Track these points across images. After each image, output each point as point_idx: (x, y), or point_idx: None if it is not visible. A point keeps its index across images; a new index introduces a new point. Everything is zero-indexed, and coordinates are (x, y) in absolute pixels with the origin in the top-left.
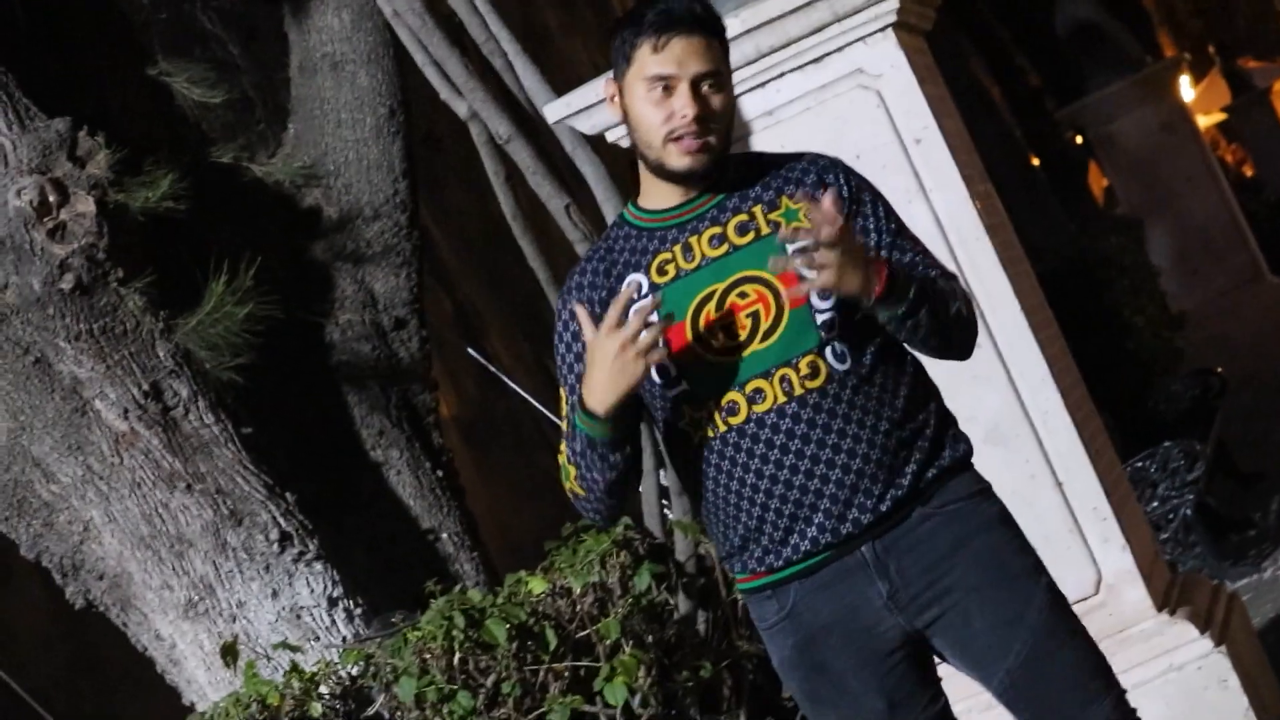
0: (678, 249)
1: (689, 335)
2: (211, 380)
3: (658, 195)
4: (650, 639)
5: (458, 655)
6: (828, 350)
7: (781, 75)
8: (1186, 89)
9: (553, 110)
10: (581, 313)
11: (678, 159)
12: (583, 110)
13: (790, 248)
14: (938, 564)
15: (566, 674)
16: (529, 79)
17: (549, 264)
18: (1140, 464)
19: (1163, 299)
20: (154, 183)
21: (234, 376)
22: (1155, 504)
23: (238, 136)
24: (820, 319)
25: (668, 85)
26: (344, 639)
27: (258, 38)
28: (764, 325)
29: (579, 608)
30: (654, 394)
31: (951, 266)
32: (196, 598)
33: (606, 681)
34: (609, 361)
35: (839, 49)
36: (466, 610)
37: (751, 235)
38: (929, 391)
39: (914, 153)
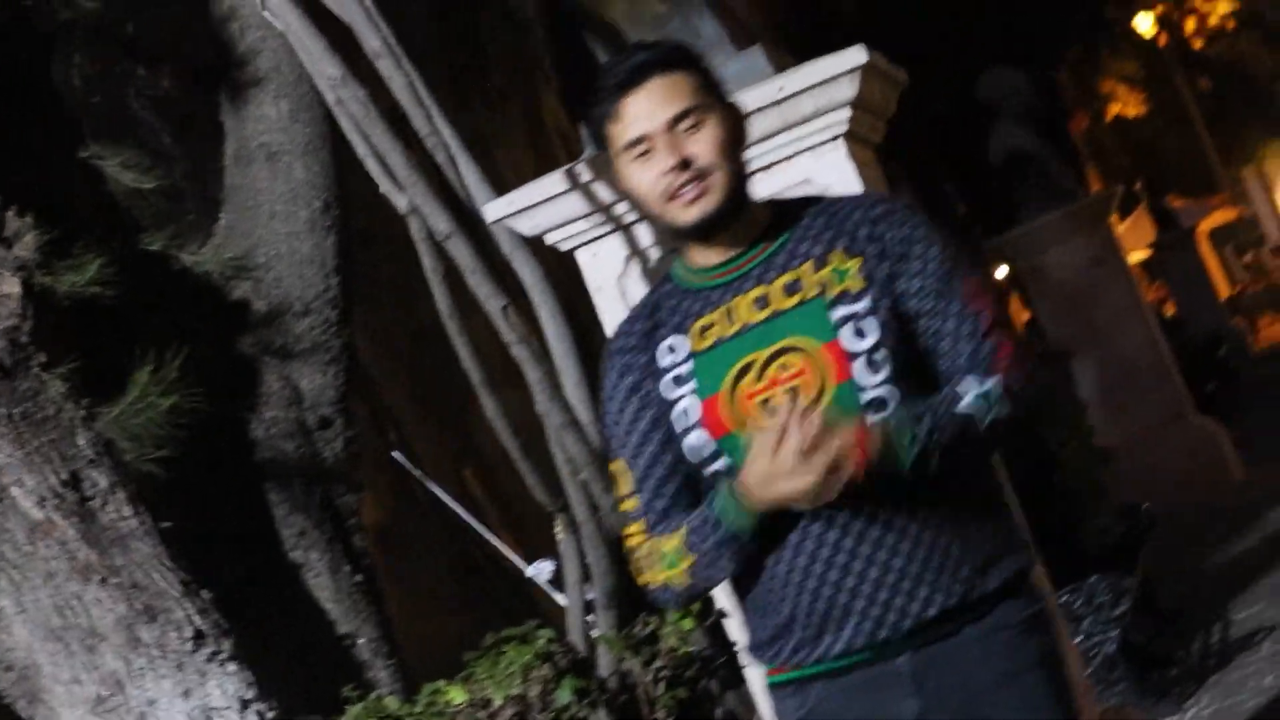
0: (720, 312)
1: (727, 408)
2: (132, 471)
3: (700, 253)
4: None
5: None
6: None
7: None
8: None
9: (493, 209)
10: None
11: (681, 214)
12: (523, 210)
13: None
14: (980, 695)
15: None
16: (470, 176)
17: (483, 365)
18: (1065, 598)
19: (1089, 433)
20: (82, 267)
21: (155, 469)
22: (1080, 639)
23: (168, 225)
24: (865, 397)
25: (645, 149)
26: None
27: (191, 127)
28: (804, 402)
29: None
30: (698, 466)
31: None
32: (106, 693)
33: None
34: (788, 464)
35: (788, 157)
36: (383, 718)
37: (798, 298)
38: (991, 487)
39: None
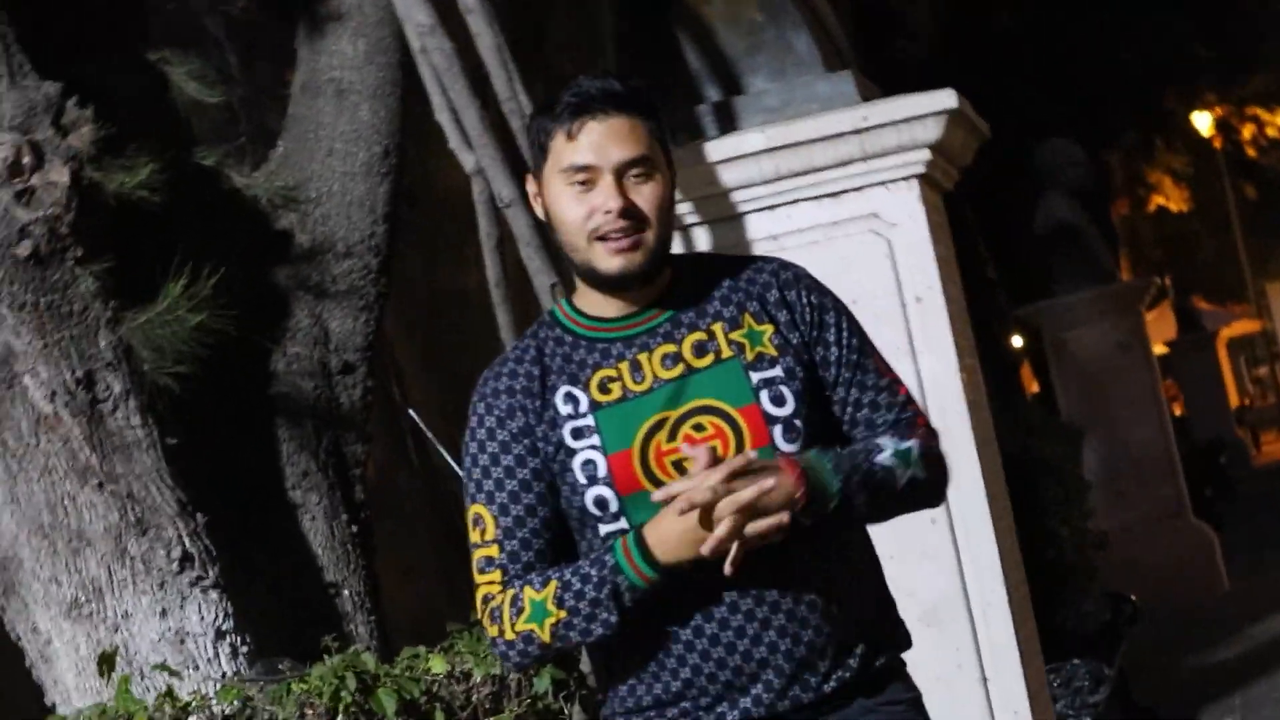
0: (624, 366)
1: (636, 467)
2: (147, 382)
3: (598, 301)
4: None
5: (340, 717)
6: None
7: (795, 202)
8: None
9: None
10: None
11: (605, 260)
12: None
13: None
14: None
15: None
16: None
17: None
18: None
19: (1089, 514)
20: (134, 168)
21: (171, 383)
22: None
23: (223, 144)
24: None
25: (587, 179)
26: (224, 674)
27: (257, 51)
28: (724, 456)
29: (474, 697)
30: (584, 524)
31: None
32: (84, 599)
33: None
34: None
35: (859, 188)
36: (360, 674)
37: (711, 357)
38: (877, 565)
39: (912, 310)
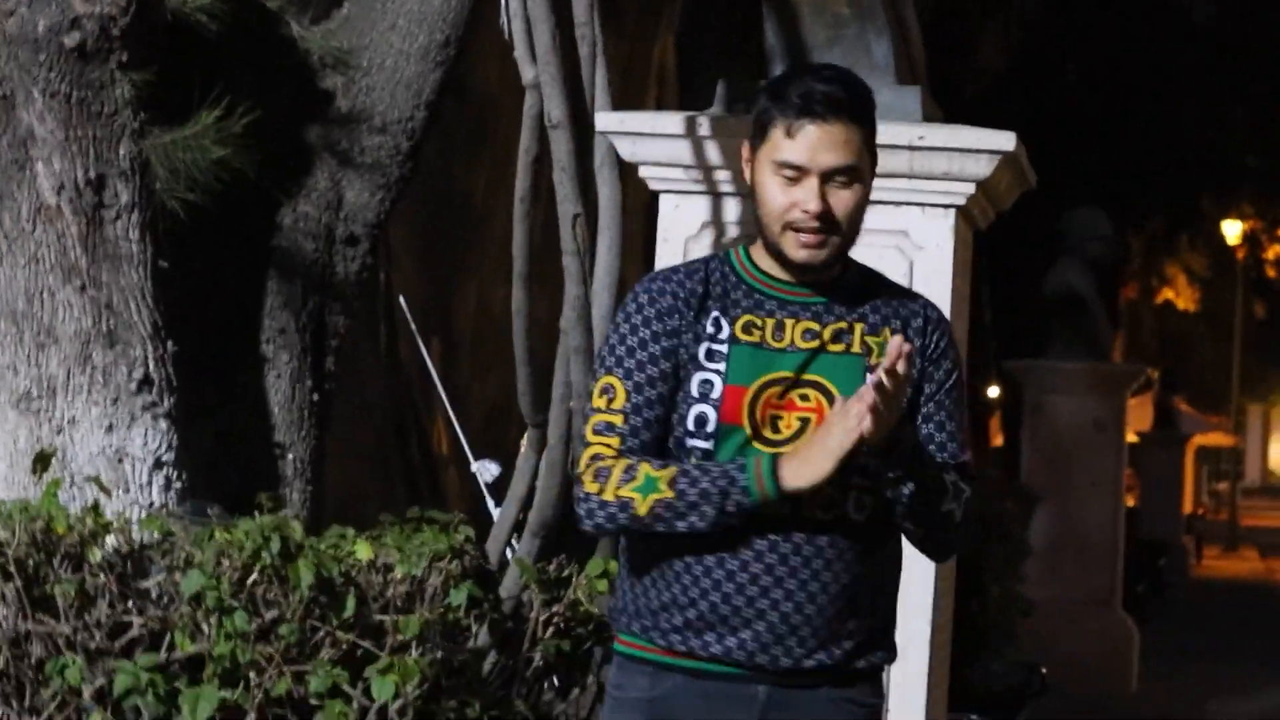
0: (771, 321)
1: (744, 403)
2: (155, 201)
3: (773, 263)
4: (439, 655)
5: (254, 576)
6: (853, 494)
7: None
8: None
9: (606, 119)
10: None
11: (794, 250)
12: (632, 134)
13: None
14: None
15: (345, 646)
16: (600, 80)
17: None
18: None
19: (1021, 579)
20: None
21: (178, 208)
22: None
23: None
24: (860, 460)
25: (795, 176)
26: (152, 503)
27: None
28: (808, 436)
29: (390, 591)
30: (678, 432)
31: None
32: (36, 394)
33: (380, 674)
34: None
35: (896, 203)
36: (285, 539)
37: (843, 346)
38: (895, 586)
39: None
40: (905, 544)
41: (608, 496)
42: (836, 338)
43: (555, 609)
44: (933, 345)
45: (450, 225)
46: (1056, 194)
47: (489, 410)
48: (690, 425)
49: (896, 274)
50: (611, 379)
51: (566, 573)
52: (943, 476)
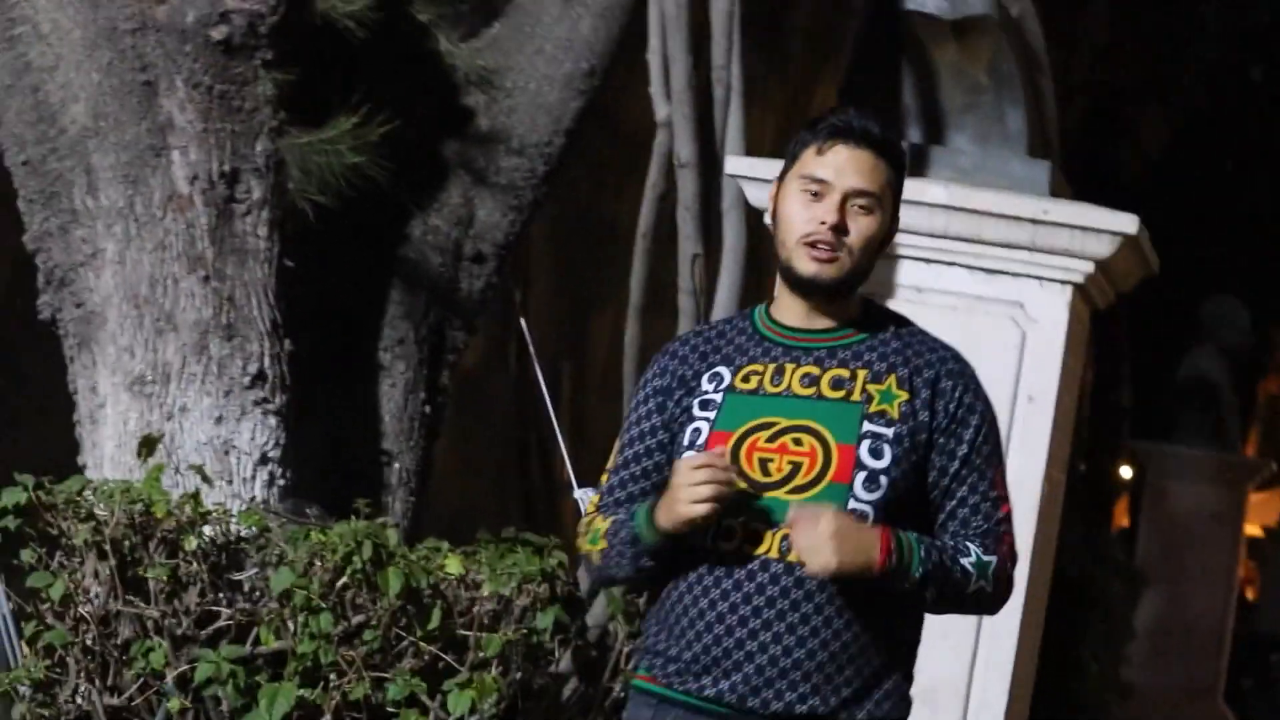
0: (771, 367)
1: (727, 447)
2: (286, 200)
3: (786, 308)
4: (519, 676)
5: (344, 580)
6: None
7: (950, 264)
8: None
9: (736, 163)
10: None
11: (804, 263)
12: (759, 180)
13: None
14: None
15: (426, 657)
16: (734, 123)
17: (645, 291)
18: None
19: (1123, 661)
20: None
21: (308, 210)
22: None
23: (443, 3)
24: (852, 505)
25: (819, 191)
26: (253, 498)
27: None
28: (799, 480)
29: (476, 608)
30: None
31: None
32: (150, 379)
33: (458, 688)
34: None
35: (1015, 274)
36: (378, 546)
37: (842, 394)
38: (910, 637)
39: (1020, 407)
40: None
41: (582, 550)
42: (835, 385)
43: (639, 642)
44: (952, 401)
45: (592, 254)
46: (1204, 280)
47: (613, 439)
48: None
49: (1008, 345)
50: (617, 440)
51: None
52: (956, 571)
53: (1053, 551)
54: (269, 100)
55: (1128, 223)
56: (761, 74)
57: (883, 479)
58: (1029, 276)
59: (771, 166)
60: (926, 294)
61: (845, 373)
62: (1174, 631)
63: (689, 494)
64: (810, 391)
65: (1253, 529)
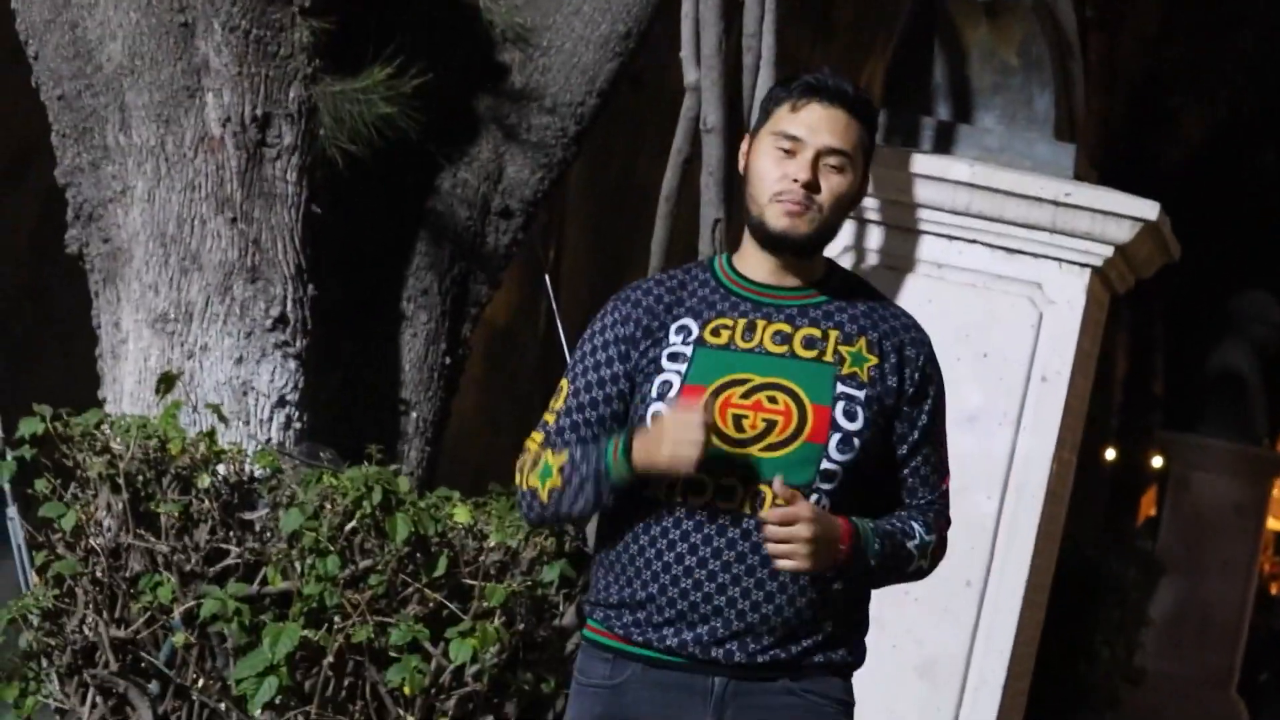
0: (742, 323)
1: (708, 402)
2: (317, 147)
3: (753, 263)
4: (521, 626)
5: (352, 524)
6: (812, 496)
7: (972, 242)
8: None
9: None
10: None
11: (776, 218)
12: None
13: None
14: None
15: (431, 604)
16: (763, 91)
17: (664, 255)
18: None
19: (1136, 647)
20: None
21: (338, 158)
22: None
23: None
24: (825, 465)
25: (791, 148)
26: (269, 440)
27: None
28: (772, 438)
29: (482, 558)
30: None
31: (995, 501)
32: (173, 316)
33: (460, 636)
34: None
35: (1035, 255)
36: (387, 492)
37: (814, 354)
38: (866, 593)
39: (1034, 386)
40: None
41: (523, 486)
42: (808, 344)
43: (588, 595)
44: (916, 370)
45: (627, 217)
46: (1240, 273)
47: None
48: (648, 424)
49: (1025, 324)
50: (563, 380)
51: None
52: (903, 554)
53: (1059, 533)
54: (304, 47)
55: (1148, 209)
56: (807, 47)
57: (855, 440)
58: (1048, 258)
59: None
60: (946, 270)
61: (817, 332)
62: (1190, 621)
63: (682, 446)
64: (783, 349)
65: (1279, 525)
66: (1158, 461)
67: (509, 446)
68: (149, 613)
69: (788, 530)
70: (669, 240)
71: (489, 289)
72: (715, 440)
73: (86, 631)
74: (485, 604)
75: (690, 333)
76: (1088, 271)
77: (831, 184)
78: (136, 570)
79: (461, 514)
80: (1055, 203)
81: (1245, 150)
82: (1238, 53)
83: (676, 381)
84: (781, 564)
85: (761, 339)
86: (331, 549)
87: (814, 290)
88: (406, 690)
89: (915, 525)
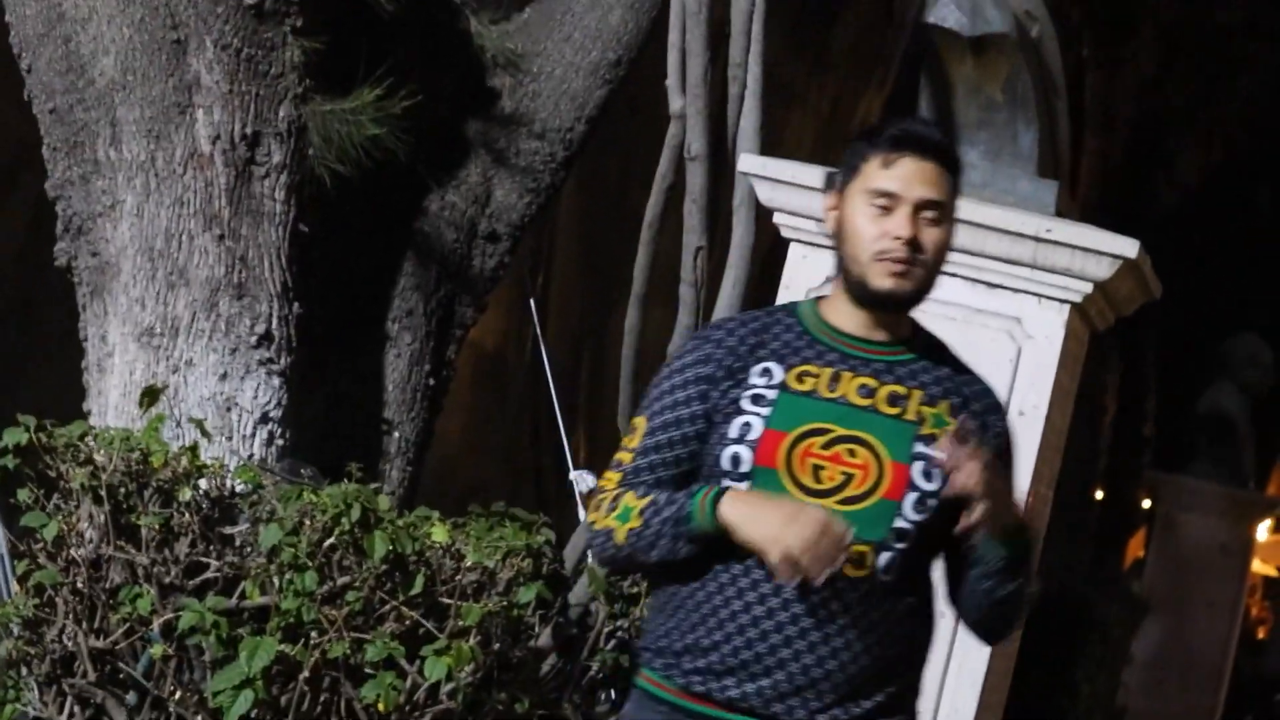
0: (827, 373)
1: (782, 448)
2: (306, 166)
3: (844, 314)
4: (497, 647)
5: (330, 541)
6: (884, 553)
7: (952, 275)
8: (1263, 530)
9: (749, 161)
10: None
11: (880, 279)
12: (773, 180)
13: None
14: None
15: (408, 622)
16: (748, 121)
17: (647, 280)
18: None
19: (1117, 684)
20: None
21: (326, 176)
22: None
23: None
24: (898, 523)
25: (888, 205)
26: (251, 456)
27: None
28: (849, 491)
29: (459, 577)
30: (712, 477)
31: None
32: (159, 331)
33: (435, 654)
34: (799, 530)
35: (1014, 290)
36: (366, 510)
37: (897, 411)
38: (923, 655)
39: (1011, 421)
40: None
41: (599, 526)
42: (891, 401)
43: (620, 623)
44: (995, 433)
45: (618, 242)
46: (1235, 316)
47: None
48: (725, 465)
49: (1003, 359)
50: (639, 419)
51: (636, 590)
52: (1031, 580)
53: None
54: (295, 66)
55: (1128, 246)
56: (804, 78)
57: (930, 502)
58: (1028, 293)
59: (782, 168)
60: (925, 303)
61: (901, 390)
62: (1174, 661)
63: (818, 561)
64: (866, 403)
65: (1268, 569)
66: (1148, 504)
67: (498, 468)
68: (128, 624)
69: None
70: (651, 267)
71: (475, 312)
72: (793, 489)
73: (66, 641)
74: (461, 623)
75: (774, 376)
76: (1067, 307)
77: (933, 237)
78: (116, 581)
79: (439, 533)
80: (1036, 238)
81: (1241, 193)
82: (1235, 96)
83: (758, 425)
84: (960, 481)
85: (846, 390)
86: (310, 565)
87: (902, 347)
88: (381, 707)
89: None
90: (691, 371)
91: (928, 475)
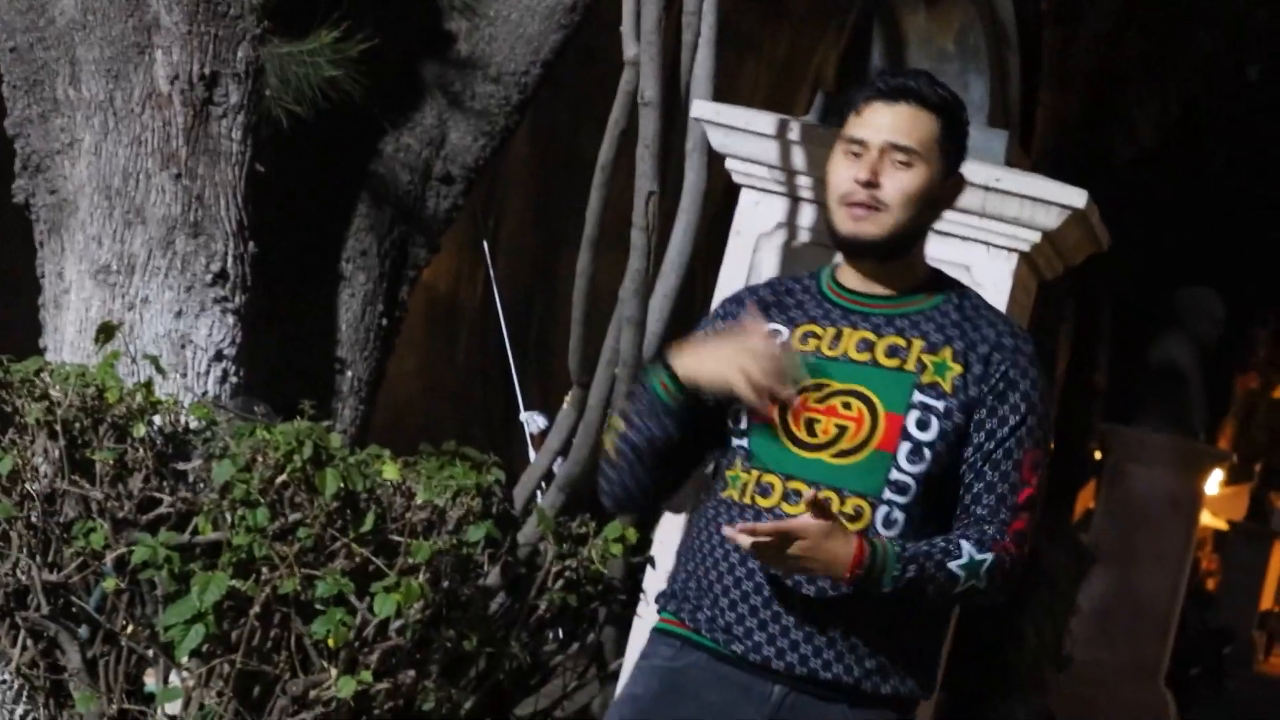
0: (830, 331)
1: (777, 407)
2: (262, 107)
3: (847, 271)
4: (446, 584)
5: (282, 478)
6: (882, 508)
7: None
8: (1213, 484)
9: (701, 107)
10: (753, 309)
11: (843, 223)
12: (726, 126)
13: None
14: None
15: (358, 559)
16: (702, 68)
17: (599, 224)
18: None
19: (1064, 633)
20: None
21: (283, 117)
22: None
23: None
24: (895, 475)
25: (858, 151)
26: (205, 393)
27: None
28: (843, 444)
29: (409, 515)
30: (729, 430)
31: None
32: (115, 268)
33: (384, 590)
34: (728, 350)
35: (963, 238)
36: (318, 447)
37: (896, 362)
38: (939, 622)
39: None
40: None
41: (606, 445)
42: (890, 353)
43: (568, 563)
44: (996, 375)
45: (568, 187)
46: (1189, 270)
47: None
48: (731, 423)
49: None
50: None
51: (585, 531)
52: (941, 576)
53: None
54: (254, 9)
55: (1076, 197)
56: (758, 28)
57: (927, 451)
58: (977, 241)
59: (735, 114)
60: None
61: (901, 341)
62: (1121, 612)
63: (748, 367)
64: (865, 357)
65: (1219, 523)
66: (1099, 455)
67: (450, 410)
68: (81, 558)
69: (775, 541)
70: (603, 210)
71: (428, 253)
72: (787, 443)
73: (19, 575)
74: (411, 560)
75: (780, 336)
76: (1015, 256)
77: (899, 181)
78: (70, 516)
79: (390, 471)
80: (985, 188)
81: (1196, 148)
82: (1193, 51)
83: None
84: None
85: (846, 347)
86: (262, 501)
87: (907, 299)
88: (331, 642)
89: (965, 544)
90: (712, 327)
91: (923, 425)
